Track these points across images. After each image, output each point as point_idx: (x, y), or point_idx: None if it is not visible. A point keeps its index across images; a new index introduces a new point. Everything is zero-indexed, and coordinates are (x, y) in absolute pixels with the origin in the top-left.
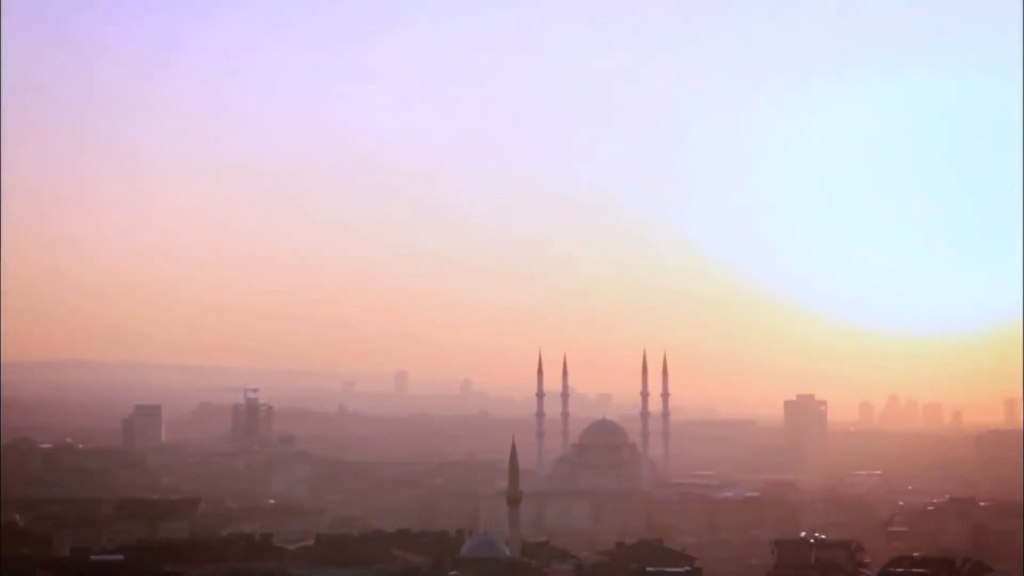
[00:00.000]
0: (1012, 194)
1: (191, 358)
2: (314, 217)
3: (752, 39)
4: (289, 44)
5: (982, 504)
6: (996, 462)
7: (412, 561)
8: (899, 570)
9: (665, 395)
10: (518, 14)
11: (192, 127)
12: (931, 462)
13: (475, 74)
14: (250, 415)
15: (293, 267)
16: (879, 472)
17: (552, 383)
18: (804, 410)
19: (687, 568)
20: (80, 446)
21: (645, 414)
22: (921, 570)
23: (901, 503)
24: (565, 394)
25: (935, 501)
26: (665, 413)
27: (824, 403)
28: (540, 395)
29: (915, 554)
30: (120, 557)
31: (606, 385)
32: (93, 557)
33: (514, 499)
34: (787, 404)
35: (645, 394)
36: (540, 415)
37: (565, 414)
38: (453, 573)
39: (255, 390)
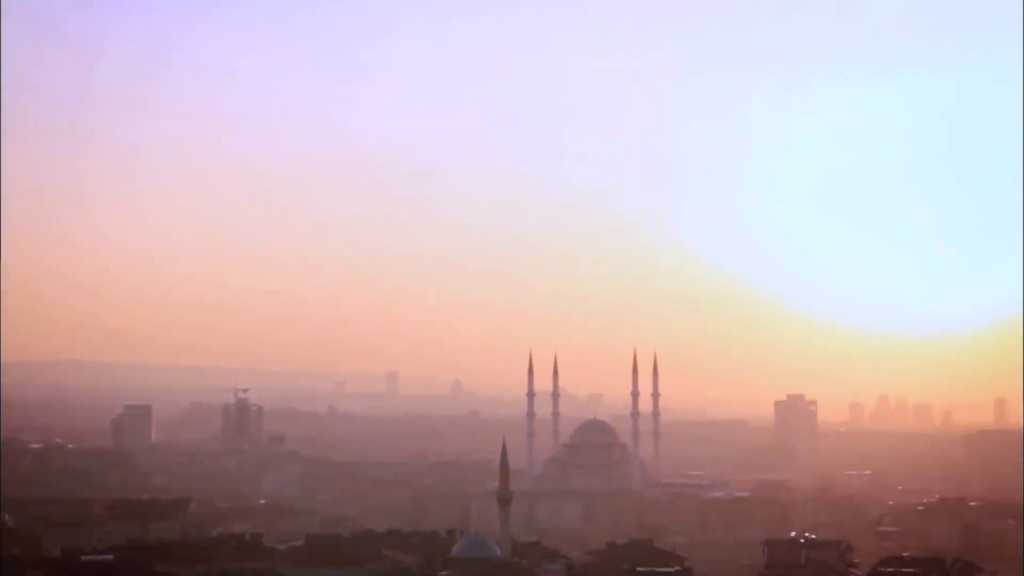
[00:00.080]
0: (1008, 195)
1: (185, 358)
2: (307, 218)
3: (750, 39)
4: (288, 44)
5: (972, 504)
6: (986, 462)
7: (403, 561)
8: (889, 570)
9: (656, 395)
10: (515, 15)
11: (191, 127)
12: (921, 462)
13: (469, 74)
14: (240, 415)
15: (284, 268)
16: (869, 472)
17: (543, 383)
18: (794, 410)
19: (678, 568)
20: (70, 446)
21: (636, 414)
22: (911, 570)
23: (891, 503)
24: (556, 394)
25: (925, 501)
26: (656, 413)
27: (814, 403)
28: (531, 395)
29: (905, 554)
30: (110, 557)
31: (597, 385)
32: (83, 557)
33: (505, 499)
34: (777, 404)
35: (636, 394)
36: (531, 415)
37: (556, 414)
38: (444, 573)
39: (245, 390)
